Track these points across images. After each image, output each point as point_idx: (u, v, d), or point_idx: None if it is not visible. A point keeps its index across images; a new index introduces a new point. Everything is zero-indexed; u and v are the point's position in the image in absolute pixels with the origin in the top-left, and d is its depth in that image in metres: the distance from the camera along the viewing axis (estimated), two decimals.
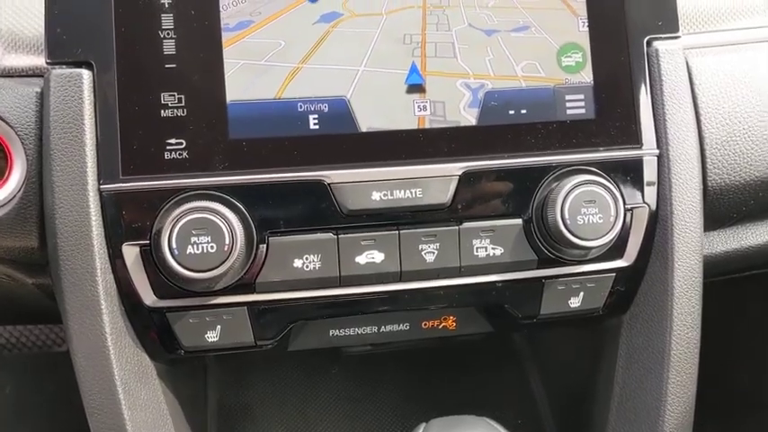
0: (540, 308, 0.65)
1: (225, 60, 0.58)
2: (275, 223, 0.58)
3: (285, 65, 0.59)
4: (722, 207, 0.67)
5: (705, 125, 0.65)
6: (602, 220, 0.60)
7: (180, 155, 0.56)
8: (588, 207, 0.59)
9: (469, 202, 0.60)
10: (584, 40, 0.63)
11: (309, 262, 0.58)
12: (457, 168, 0.60)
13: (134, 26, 0.56)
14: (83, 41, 0.56)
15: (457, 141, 0.60)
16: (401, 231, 0.60)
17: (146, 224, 0.56)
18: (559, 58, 0.63)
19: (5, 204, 0.57)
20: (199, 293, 0.57)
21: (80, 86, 0.56)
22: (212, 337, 0.59)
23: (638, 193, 0.63)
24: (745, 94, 0.67)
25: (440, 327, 0.67)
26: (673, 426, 0.64)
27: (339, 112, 0.59)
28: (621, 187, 0.62)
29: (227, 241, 0.54)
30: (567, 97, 0.63)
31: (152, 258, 0.55)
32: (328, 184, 0.58)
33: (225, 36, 0.58)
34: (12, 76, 0.59)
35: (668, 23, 0.66)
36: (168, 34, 0.57)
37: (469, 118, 0.61)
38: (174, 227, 0.54)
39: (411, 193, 0.59)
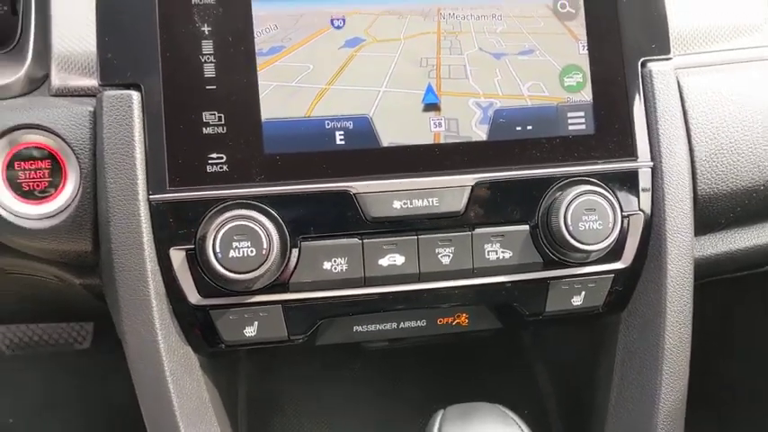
0: (546, 306, 0.70)
1: (259, 82, 0.63)
2: (306, 229, 0.63)
3: (314, 86, 0.65)
4: (711, 214, 0.73)
5: (695, 139, 0.71)
6: (601, 227, 0.66)
7: (220, 168, 0.62)
8: (589, 214, 0.65)
9: (481, 209, 0.66)
10: (584, 62, 0.69)
11: (337, 264, 0.64)
12: (469, 179, 0.66)
13: (178, 51, 0.62)
14: (132, 65, 0.62)
15: (469, 155, 0.66)
16: (420, 237, 0.65)
17: (190, 231, 0.62)
18: (562, 79, 0.69)
19: (61, 212, 0.63)
20: (238, 293, 0.63)
21: (130, 106, 0.61)
22: (250, 332, 0.65)
23: (634, 202, 0.69)
24: (732, 110, 0.72)
25: (453, 323, 0.73)
26: (667, 414, 0.70)
27: (363, 128, 0.65)
28: (619, 196, 0.68)
29: (264, 246, 0.60)
30: (569, 114, 0.69)
31: (197, 261, 0.61)
32: (354, 194, 0.64)
33: (259, 60, 0.64)
34: (65, 96, 0.65)
35: (661, 46, 0.72)
36: (208, 59, 0.63)
37: (480, 134, 0.67)
38: (217, 233, 0.59)
39: (428, 201, 0.65)
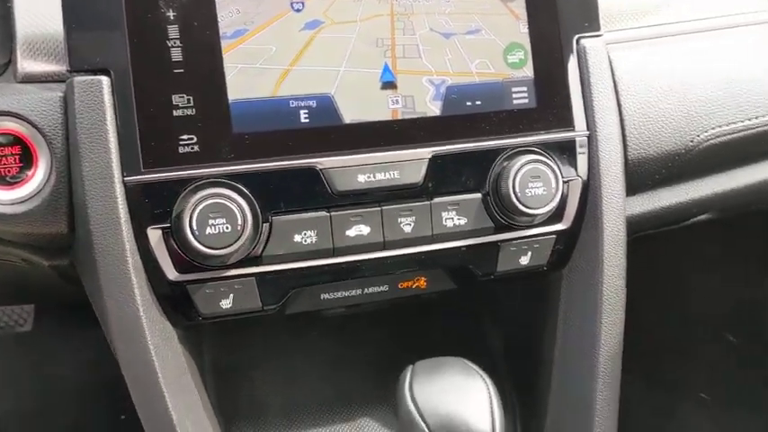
0: (497, 266, 0.77)
1: (225, 65, 0.66)
2: (277, 204, 0.67)
3: (277, 67, 0.68)
4: (639, 176, 0.81)
5: (625, 109, 0.78)
6: (545, 192, 0.72)
7: (192, 148, 0.65)
8: (534, 182, 0.72)
9: (438, 180, 0.71)
10: (525, 41, 0.75)
11: (307, 236, 0.68)
12: (426, 152, 0.71)
13: (145, 37, 0.64)
14: (100, 51, 0.63)
15: (425, 130, 0.71)
16: (383, 208, 0.70)
17: (166, 210, 0.64)
18: (505, 56, 0.75)
19: (35, 197, 0.64)
20: (214, 267, 0.66)
21: (101, 91, 0.63)
22: (226, 304, 0.68)
23: (573, 168, 0.76)
24: (657, 82, 0.80)
25: (413, 286, 0.78)
26: (607, 358, 0.78)
27: (326, 106, 0.69)
28: (560, 164, 0.74)
29: (239, 222, 0.63)
30: (513, 90, 0.75)
31: (173, 239, 0.64)
32: (320, 170, 0.68)
33: (224, 43, 0.66)
34: (32, 82, 0.66)
35: (592, 24, 0.78)
36: (175, 43, 0.65)
37: (434, 109, 0.72)
38: (193, 212, 0.62)
39: (390, 174, 0.70)
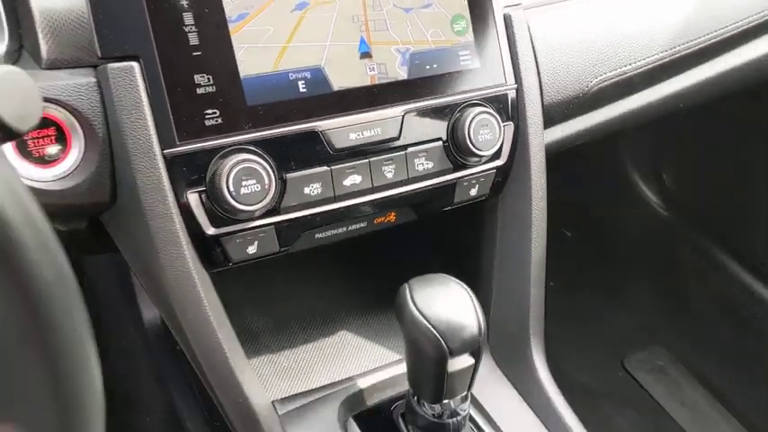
0: (454, 199, 0.95)
1: (234, 45, 0.76)
2: (288, 164, 0.79)
3: (276, 45, 0.79)
4: (552, 114, 1.00)
5: (540, 65, 0.96)
6: (492, 137, 0.90)
7: (216, 121, 0.75)
8: (483, 129, 0.89)
9: (410, 133, 0.86)
10: (466, 12, 0.91)
11: (314, 188, 0.81)
12: (399, 111, 0.86)
13: (165, 25, 0.72)
14: (128, 40, 0.71)
15: (398, 91, 0.85)
16: (370, 159, 0.84)
17: (200, 176, 0.74)
18: (452, 26, 0.90)
19: (75, 173, 0.72)
20: (243, 220, 0.78)
21: (134, 76, 0.71)
22: (252, 250, 0.81)
23: (507, 115, 0.94)
24: (563, 39, 0.99)
25: (386, 221, 0.94)
26: (537, 263, 0.99)
27: (318, 77, 0.81)
28: (499, 112, 0.92)
29: (266, 181, 0.75)
30: (460, 54, 0.91)
31: (209, 199, 0.75)
32: (320, 132, 0.81)
33: (231, 26, 0.76)
34: (60, 68, 0.72)
35: None
36: (191, 29, 0.74)
37: (403, 74, 0.86)
38: (229, 175, 0.73)
39: (374, 131, 0.84)
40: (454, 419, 0.85)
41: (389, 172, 0.86)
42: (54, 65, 0.72)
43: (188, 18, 0.74)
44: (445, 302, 0.79)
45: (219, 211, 0.76)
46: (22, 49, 0.74)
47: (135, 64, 0.71)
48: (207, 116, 0.75)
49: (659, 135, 2.24)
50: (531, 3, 0.99)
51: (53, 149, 0.72)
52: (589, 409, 1.17)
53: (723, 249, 2.17)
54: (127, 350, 1.31)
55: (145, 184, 0.72)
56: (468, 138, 0.88)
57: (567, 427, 0.93)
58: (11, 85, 0.46)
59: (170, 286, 0.76)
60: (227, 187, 0.74)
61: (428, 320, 0.77)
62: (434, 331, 0.76)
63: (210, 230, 0.77)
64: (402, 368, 1.00)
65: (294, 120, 0.79)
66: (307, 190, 0.81)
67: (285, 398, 0.95)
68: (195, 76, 0.74)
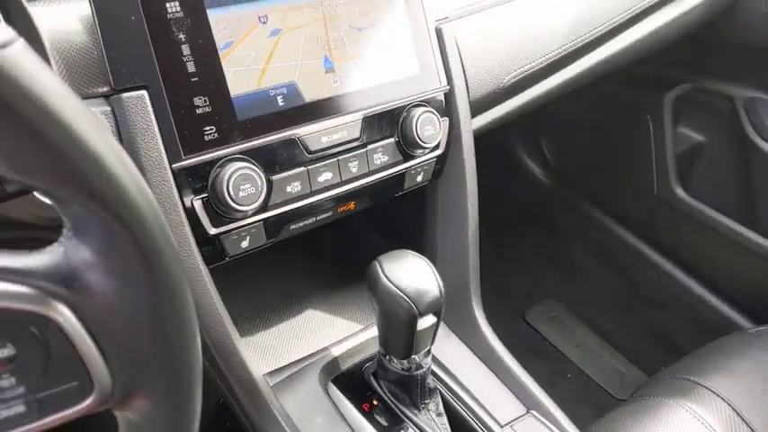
0: (404, 185, 1.12)
1: (224, 69, 0.89)
2: (273, 168, 0.93)
3: (257, 67, 0.92)
4: (476, 106, 1.19)
5: (466, 67, 1.14)
6: (434, 131, 1.07)
7: (213, 136, 0.88)
8: (427, 125, 1.06)
9: (369, 133, 1.02)
10: (407, 29, 1.06)
11: (294, 186, 0.96)
12: (359, 116, 1.01)
13: (167, 56, 0.83)
14: (137, 72, 0.82)
15: (357, 99, 1.01)
16: (339, 158, 1.00)
17: (203, 184, 0.87)
18: (396, 41, 1.06)
19: None
20: (237, 219, 0.92)
21: (145, 103, 0.82)
22: (245, 244, 0.94)
23: (444, 111, 1.12)
24: (483, 44, 1.17)
25: (347, 209, 1.10)
26: (473, 232, 1.19)
27: (293, 92, 0.95)
28: (438, 110, 1.10)
29: (258, 184, 0.89)
30: (404, 64, 1.06)
31: (211, 203, 0.88)
32: (297, 138, 0.95)
33: (220, 54, 0.88)
34: None
35: (439, 12, 1.12)
36: (189, 58, 0.86)
37: (360, 84, 1.02)
38: (228, 181, 0.86)
39: (341, 135, 0.99)
40: (420, 371, 1.03)
41: (354, 167, 1.02)
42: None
43: (186, 49, 0.86)
44: (411, 273, 0.96)
45: (220, 212, 0.89)
46: None
47: (144, 92, 0.83)
48: (206, 132, 0.87)
49: (539, 114, 2.53)
50: (459, 14, 1.17)
51: None
52: None
53: (599, 209, 2.49)
54: None
55: (159, 195, 0.85)
56: (415, 133, 1.05)
57: (508, 367, 1.14)
58: None
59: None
60: (228, 192, 0.87)
61: (399, 289, 0.94)
62: (406, 297, 0.93)
63: (212, 230, 0.90)
64: (367, 335, 1.18)
65: (276, 129, 0.93)
66: (289, 188, 0.96)
67: (271, 372, 1.10)
68: (194, 99, 0.86)
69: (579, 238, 2.55)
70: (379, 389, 1.08)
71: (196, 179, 0.87)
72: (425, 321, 0.97)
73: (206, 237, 0.90)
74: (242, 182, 0.88)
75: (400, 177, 1.11)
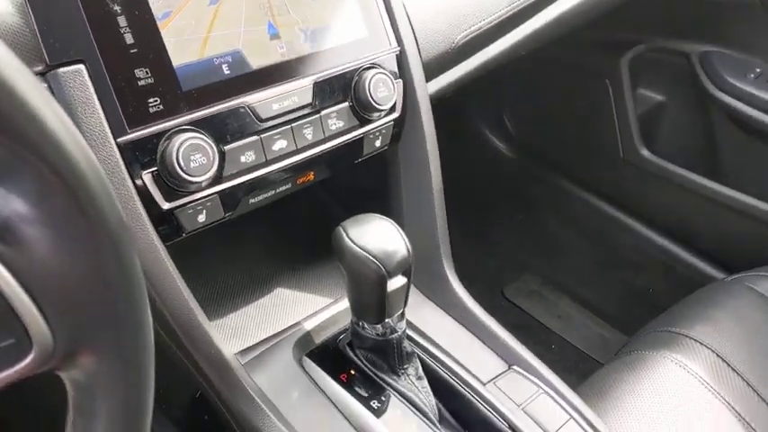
0: (363, 152, 1.10)
1: (164, 40, 0.86)
2: (225, 137, 0.91)
3: (199, 36, 0.90)
4: (431, 69, 1.18)
5: (416, 30, 1.13)
6: (388, 93, 1.06)
7: (158, 108, 0.85)
8: (380, 86, 1.04)
9: (321, 98, 1.00)
10: None
11: (248, 156, 0.94)
12: (310, 81, 0.99)
13: (103, 29, 0.81)
14: (72, 46, 0.79)
15: (306, 64, 0.99)
16: (292, 125, 0.97)
17: (152, 157, 0.85)
18: (343, 4, 1.05)
19: None
20: (191, 192, 0.89)
21: (83, 77, 0.79)
22: (201, 218, 0.92)
23: (398, 73, 1.10)
24: (433, 5, 1.17)
25: (306, 180, 1.08)
26: (437, 192, 1.17)
27: (238, 59, 0.93)
28: (391, 71, 1.08)
29: (210, 154, 0.87)
30: (351, 26, 1.05)
31: (162, 176, 0.86)
32: (247, 106, 0.93)
33: (159, 24, 0.86)
34: None
35: None
36: (126, 30, 0.83)
37: (308, 49, 1.00)
38: (178, 152, 0.84)
39: (292, 101, 0.97)
40: (395, 335, 1.01)
41: (309, 134, 1.00)
42: None
43: (122, 21, 0.83)
44: (377, 235, 0.94)
45: (172, 185, 0.87)
46: None
47: (82, 66, 0.80)
48: (150, 104, 0.85)
49: (498, 89, 2.52)
50: None
51: None
52: None
53: (566, 178, 2.49)
54: None
55: (106, 171, 0.81)
56: (369, 95, 1.03)
57: (485, 324, 1.13)
58: None
59: (141, 258, 0.86)
60: (179, 162, 0.84)
61: (366, 251, 0.92)
62: (373, 259, 0.91)
63: (166, 205, 0.87)
64: (338, 307, 1.15)
65: (224, 98, 0.91)
66: (243, 158, 0.93)
67: (242, 350, 1.07)
68: (135, 71, 0.84)
69: (550, 209, 2.56)
70: (355, 358, 1.06)
71: (144, 153, 0.85)
72: (395, 282, 0.95)
73: (160, 212, 0.87)
74: (192, 152, 0.86)
75: (358, 143, 1.09)
